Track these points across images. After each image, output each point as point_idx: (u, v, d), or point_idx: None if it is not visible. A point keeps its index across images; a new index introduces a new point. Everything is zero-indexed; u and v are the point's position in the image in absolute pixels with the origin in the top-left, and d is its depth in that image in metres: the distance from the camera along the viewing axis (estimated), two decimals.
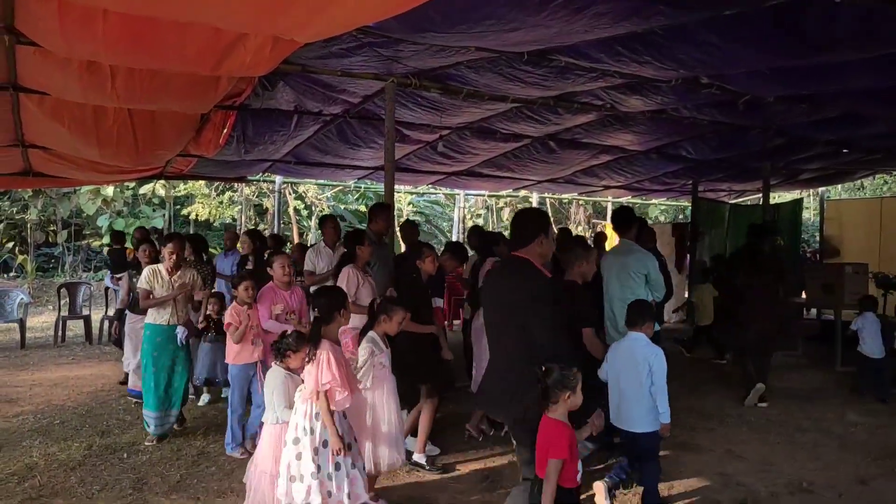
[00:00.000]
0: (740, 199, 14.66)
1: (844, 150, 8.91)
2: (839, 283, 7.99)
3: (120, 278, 7.51)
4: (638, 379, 3.72)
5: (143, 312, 5.80)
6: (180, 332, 5.30)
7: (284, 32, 3.47)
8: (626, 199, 15.53)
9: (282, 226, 13.79)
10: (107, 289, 9.61)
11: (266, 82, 5.67)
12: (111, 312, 8.32)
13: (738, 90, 5.70)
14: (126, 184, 15.94)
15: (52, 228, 17.39)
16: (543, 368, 2.93)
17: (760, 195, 10.20)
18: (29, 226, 16.78)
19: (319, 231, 6.68)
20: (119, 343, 7.10)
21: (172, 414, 5.33)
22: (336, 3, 2.93)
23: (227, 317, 4.90)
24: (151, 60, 4.05)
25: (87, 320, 9.64)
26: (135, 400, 6.00)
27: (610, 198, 15.32)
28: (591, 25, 3.65)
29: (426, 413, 4.62)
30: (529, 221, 3.32)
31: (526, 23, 3.63)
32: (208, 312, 5.86)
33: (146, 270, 5.37)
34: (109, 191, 16.28)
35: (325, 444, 3.37)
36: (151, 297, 5.22)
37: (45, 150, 6.71)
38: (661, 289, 4.93)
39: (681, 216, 20.68)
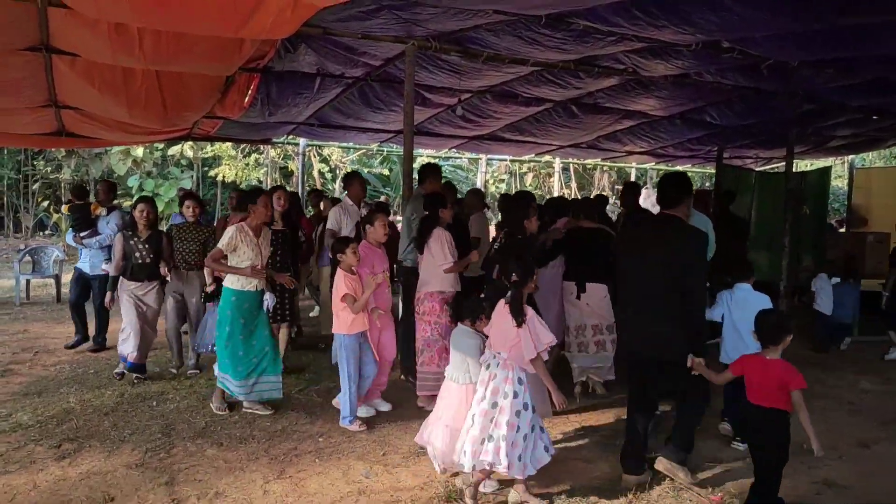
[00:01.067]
0: (768, 167, 14.42)
1: (874, 117, 8.72)
2: (861, 253, 7.93)
3: (85, 236, 6.76)
4: (751, 322, 3.85)
5: (149, 278, 5.66)
6: (269, 298, 5.06)
7: None
8: (651, 165, 15.39)
9: (307, 188, 13.97)
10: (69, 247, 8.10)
11: (288, 45, 5.73)
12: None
13: (761, 55, 5.63)
14: (155, 145, 16.22)
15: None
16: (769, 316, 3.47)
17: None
18: (63, 185, 17.23)
19: (343, 189, 6.59)
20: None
21: (265, 381, 4.91)
22: None
23: (343, 287, 4.57)
24: (176, 23, 4.16)
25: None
26: (136, 376, 5.71)
27: (634, 164, 15.20)
28: None
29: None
30: (680, 184, 3.86)
31: None
32: (217, 275, 5.63)
33: (232, 231, 4.74)
34: (139, 151, 16.58)
35: (525, 406, 3.47)
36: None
37: (77, 111, 6.90)
38: (713, 249, 5.29)
39: (707, 183, 20.41)
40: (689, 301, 3.60)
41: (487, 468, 3.47)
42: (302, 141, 12.21)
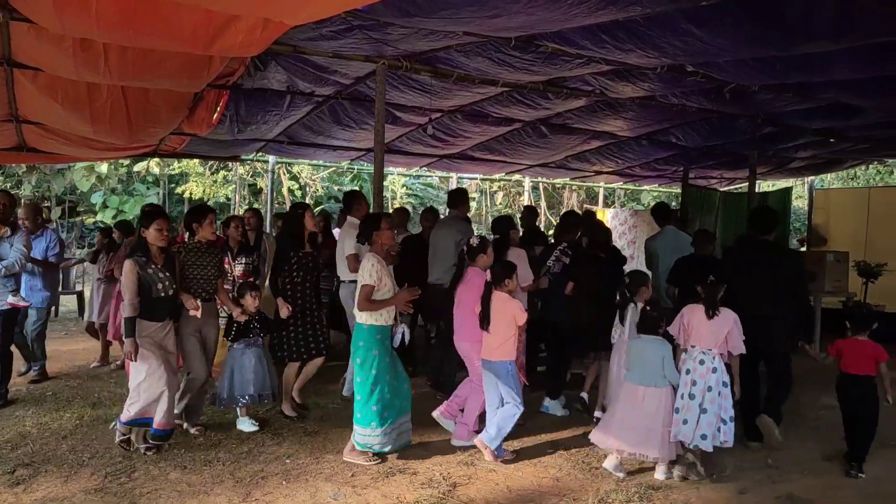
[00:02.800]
0: (732, 187, 14.77)
1: (832, 140, 9.01)
2: (820, 271, 8.14)
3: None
4: None
5: (171, 316, 4.53)
6: (403, 331, 4.63)
7: (274, 15, 3.54)
8: (618, 185, 15.64)
9: (276, 206, 13.86)
10: None
11: (258, 62, 5.71)
12: None
13: (723, 79, 5.79)
14: (120, 161, 15.96)
15: (46, 205, 17.42)
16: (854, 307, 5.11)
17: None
18: (23, 202, 16.80)
19: (348, 208, 6.16)
20: None
21: (406, 420, 4.56)
22: None
23: (520, 312, 4.47)
24: (144, 39, 4.10)
25: (80, 296, 9.75)
26: (156, 445, 4.48)
27: (602, 183, 15.42)
28: (571, 14, 3.74)
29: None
30: (774, 216, 5.21)
31: (507, 10, 3.71)
32: (246, 306, 5.01)
33: (372, 260, 4.36)
34: (104, 168, 16.29)
35: (709, 388, 4.19)
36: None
37: (39, 126, 6.75)
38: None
39: (673, 203, 20.81)
40: (799, 302, 4.92)
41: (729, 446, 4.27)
42: (271, 158, 12.11)
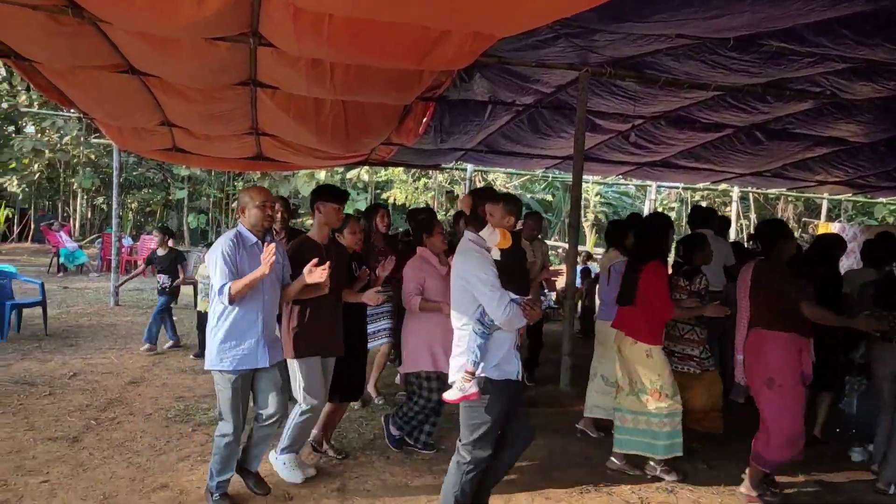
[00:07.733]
0: None
1: None
2: None
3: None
4: None
5: None
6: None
7: (485, 28, 3.64)
8: (846, 196, 13.90)
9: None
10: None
11: (464, 74, 5.94)
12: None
13: None
14: (336, 169, 17.56)
15: None
16: None
17: None
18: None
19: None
20: None
21: None
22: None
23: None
24: (366, 57, 4.46)
25: None
26: None
27: (826, 194, 13.81)
28: (806, 9, 3.37)
29: None
30: None
31: (731, 9, 3.45)
32: None
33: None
34: (322, 175, 18.04)
35: None
36: None
37: (273, 137, 7.66)
38: None
39: None
40: None
41: None
42: (469, 166, 12.55)
